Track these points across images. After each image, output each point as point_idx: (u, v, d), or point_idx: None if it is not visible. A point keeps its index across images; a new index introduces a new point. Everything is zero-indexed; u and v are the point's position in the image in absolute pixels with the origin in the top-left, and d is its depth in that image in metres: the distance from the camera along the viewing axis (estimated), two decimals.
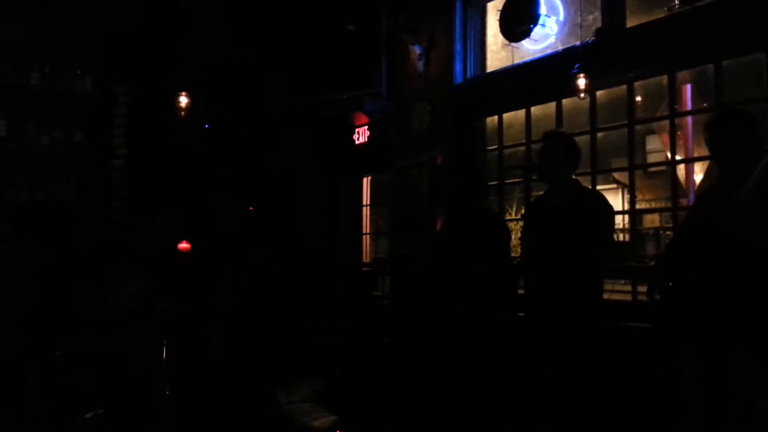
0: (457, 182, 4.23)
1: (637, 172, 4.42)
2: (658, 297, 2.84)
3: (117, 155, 5.97)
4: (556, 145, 3.44)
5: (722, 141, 2.63)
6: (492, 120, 5.40)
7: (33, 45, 5.66)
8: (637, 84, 4.29)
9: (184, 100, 6.17)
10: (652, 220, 5.21)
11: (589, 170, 4.47)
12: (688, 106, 4.28)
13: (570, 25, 4.78)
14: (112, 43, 6.00)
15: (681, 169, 4.28)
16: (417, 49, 5.81)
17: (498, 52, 5.40)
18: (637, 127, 4.38)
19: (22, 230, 3.98)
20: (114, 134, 6.00)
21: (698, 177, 4.42)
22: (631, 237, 4.43)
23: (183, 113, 6.18)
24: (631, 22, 4.27)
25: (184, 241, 5.10)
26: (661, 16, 4.09)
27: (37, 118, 5.68)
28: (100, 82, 5.98)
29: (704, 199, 2.95)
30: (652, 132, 4.80)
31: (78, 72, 5.86)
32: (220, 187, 6.48)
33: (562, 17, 4.82)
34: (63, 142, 5.77)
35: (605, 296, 3.60)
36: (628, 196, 4.46)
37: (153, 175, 6.09)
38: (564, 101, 4.70)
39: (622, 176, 4.73)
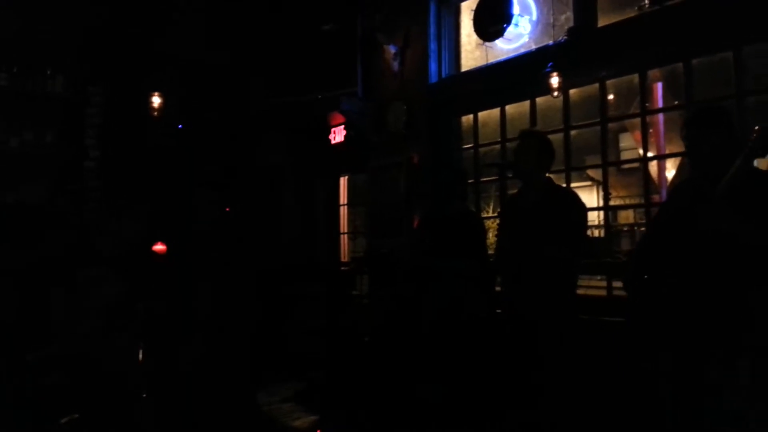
0: (435, 180, 4.24)
1: (610, 169, 4.49)
2: (632, 291, 2.87)
3: (90, 157, 5.89)
4: (532, 144, 3.47)
5: (698, 139, 2.63)
6: (467, 119, 5.43)
7: (2, 44, 5.55)
8: (609, 82, 4.35)
9: (157, 101, 6.12)
10: (626, 217, 5.29)
11: (563, 168, 4.52)
12: (659, 103, 4.36)
13: (543, 25, 4.83)
14: (85, 44, 5.91)
15: (653, 166, 4.36)
16: (392, 49, 5.82)
17: (472, 52, 5.44)
18: (610, 125, 4.45)
19: None
20: (87, 135, 5.92)
21: (670, 173, 4.51)
22: (605, 233, 4.49)
23: (157, 113, 6.12)
24: (602, 22, 4.33)
25: (160, 243, 5.04)
26: (632, 15, 4.16)
27: (7, 119, 5.58)
28: (72, 82, 5.89)
29: (676, 194, 2.99)
30: (624, 130, 4.88)
31: (49, 72, 5.77)
32: (196, 187, 6.42)
33: (535, 17, 4.87)
34: (33, 144, 5.68)
35: (581, 291, 3.65)
36: (602, 192, 4.52)
37: (127, 177, 6.02)
38: (538, 100, 4.75)
39: (596, 173, 4.81)
